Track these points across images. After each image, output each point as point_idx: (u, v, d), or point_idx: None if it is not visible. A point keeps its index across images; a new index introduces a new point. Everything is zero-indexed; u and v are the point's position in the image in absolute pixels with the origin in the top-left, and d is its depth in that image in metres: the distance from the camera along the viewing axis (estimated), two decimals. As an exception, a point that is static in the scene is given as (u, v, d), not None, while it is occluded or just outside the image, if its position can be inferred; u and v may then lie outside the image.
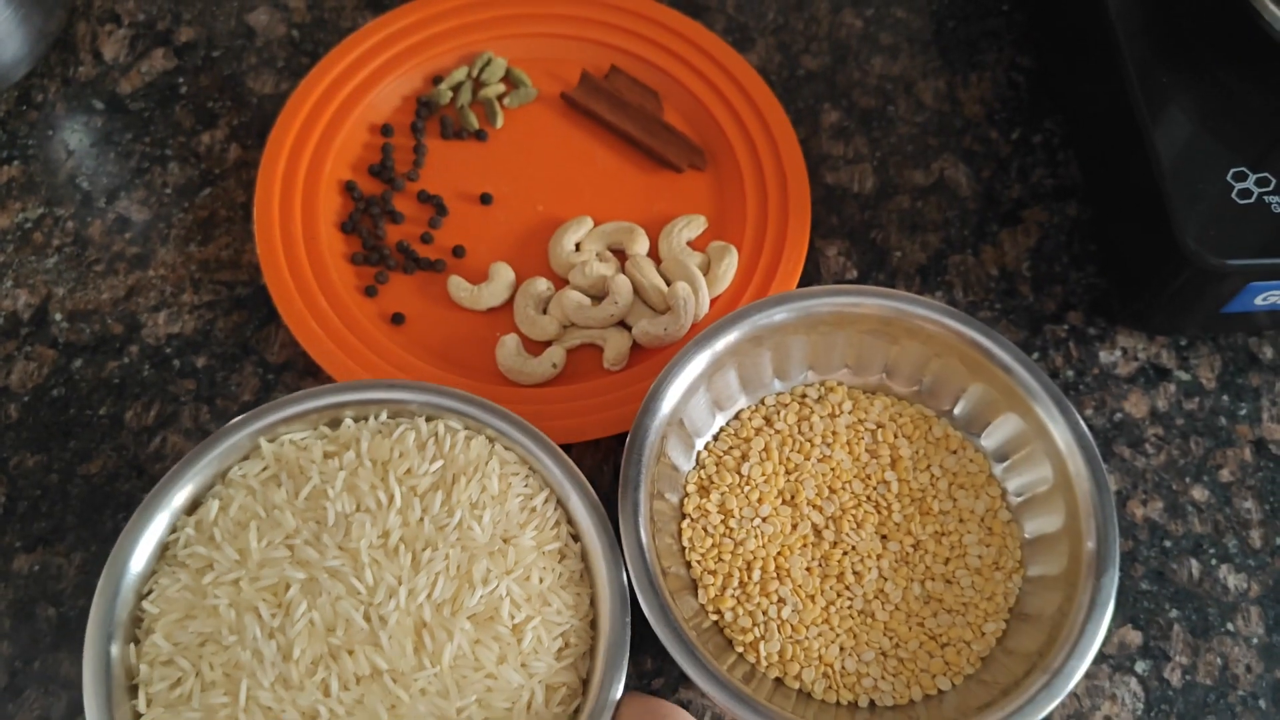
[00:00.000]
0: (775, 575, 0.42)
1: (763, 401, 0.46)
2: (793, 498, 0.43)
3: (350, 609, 0.36)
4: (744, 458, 0.44)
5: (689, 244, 0.50)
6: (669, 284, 0.48)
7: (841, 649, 0.41)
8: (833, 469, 0.44)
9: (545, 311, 0.49)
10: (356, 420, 0.41)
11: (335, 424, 0.41)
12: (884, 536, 0.43)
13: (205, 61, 0.55)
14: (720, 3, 0.58)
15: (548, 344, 0.48)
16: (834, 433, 0.45)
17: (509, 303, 0.49)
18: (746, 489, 0.43)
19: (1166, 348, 0.50)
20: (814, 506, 0.43)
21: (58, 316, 0.49)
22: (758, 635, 0.41)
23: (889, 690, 0.41)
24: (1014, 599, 0.42)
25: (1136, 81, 0.47)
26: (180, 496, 0.39)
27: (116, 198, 0.52)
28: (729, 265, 0.49)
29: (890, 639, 0.41)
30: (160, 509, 0.38)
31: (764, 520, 0.43)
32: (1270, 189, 0.45)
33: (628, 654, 0.38)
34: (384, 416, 0.41)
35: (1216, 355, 0.50)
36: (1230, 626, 0.45)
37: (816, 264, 0.52)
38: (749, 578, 0.42)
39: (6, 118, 0.53)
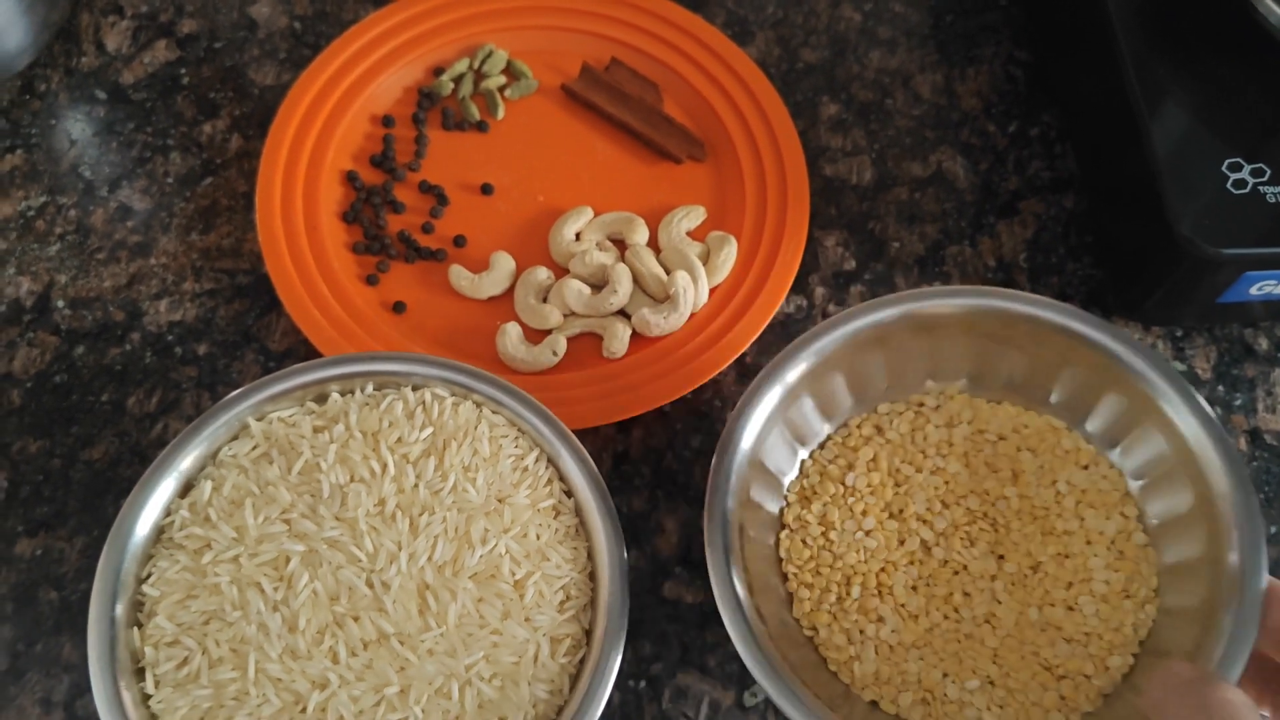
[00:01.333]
0: (876, 592, 0.40)
1: (875, 410, 0.43)
2: (900, 511, 0.41)
3: (352, 576, 0.37)
4: (850, 467, 0.42)
5: (688, 234, 0.51)
6: (668, 273, 0.49)
7: (945, 674, 0.38)
8: (946, 482, 0.41)
9: (546, 301, 0.49)
10: (343, 394, 0.41)
11: (322, 399, 0.41)
12: (1000, 556, 0.40)
13: (207, 53, 0.56)
14: (720, -4, 0.59)
15: (548, 333, 0.49)
16: (950, 444, 0.42)
17: (509, 292, 0.49)
18: (850, 500, 0.41)
19: (1162, 339, 0.51)
20: (923, 521, 0.41)
21: (60, 304, 0.49)
22: (853, 654, 0.39)
23: None
24: (1145, 631, 0.38)
25: (1132, 73, 0.48)
26: (171, 480, 0.39)
27: (119, 187, 0.52)
28: (728, 255, 0.49)
29: (999, 667, 0.38)
30: (151, 493, 0.39)
31: (867, 534, 0.41)
32: (1265, 179, 0.45)
33: (628, 603, 0.38)
34: (370, 389, 0.41)
35: (1212, 346, 0.51)
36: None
37: (815, 254, 0.52)
38: (847, 593, 0.40)
39: (10, 107, 0.53)
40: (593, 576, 0.40)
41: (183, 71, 0.55)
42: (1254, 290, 0.46)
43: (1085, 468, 0.41)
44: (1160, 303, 0.49)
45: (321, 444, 0.40)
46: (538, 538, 0.39)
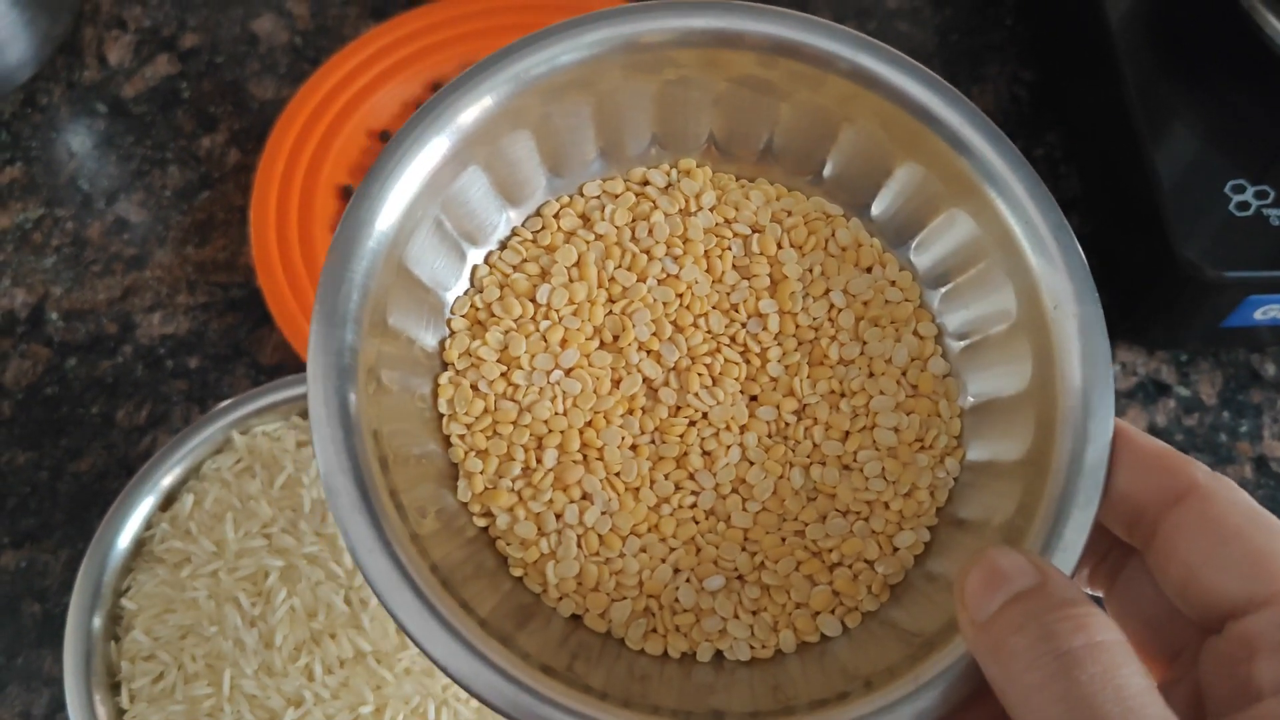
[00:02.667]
0: (580, 458, 0.27)
1: (580, 191, 0.30)
2: (615, 339, 0.28)
3: (330, 593, 0.37)
4: (544, 276, 0.28)
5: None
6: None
7: (676, 569, 0.27)
8: (680, 295, 0.28)
9: (538, 317, 0.49)
10: None
11: (306, 415, 0.41)
12: (753, 398, 0.28)
13: (208, 67, 0.56)
14: (722, 14, 0.58)
15: (540, 350, 0.48)
16: (685, 239, 0.29)
17: (502, 308, 0.49)
18: (544, 324, 0.28)
19: (1166, 363, 0.50)
20: (648, 352, 0.28)
21: (54, 316, 0.49)
22: (546, 550, 0.27)
23: (743, 636, 0.27)
24: (945, 495, 0.27)
25: (1136, 94, 0.47)
26: (152, 494, 0.39)
27: (116, 199, 0.52)
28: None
29: (752, 555, 0.27)
30: (133, 507, 0.39)
31: (568, 373, 0.28)
32: (1269, 201, 0.45)
33: None
34: None
35: (1217, 371, 0.50)
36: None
37: (812, 274, 0.51)
38: (539, 461, 0.27)
39: (11, 119, 0.54)
40: None
41: (183, 85, 0.55)
42: (1258, 314, 0.45)
43: (869, 269, 0.29)
44: (1164, 326, 0.48)
45: (304, 458, 0.39)
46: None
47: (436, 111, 0.27)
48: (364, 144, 0.53)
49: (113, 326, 0.49)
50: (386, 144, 0.26)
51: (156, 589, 0.38)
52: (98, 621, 0.37)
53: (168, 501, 0.40)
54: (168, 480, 0.40)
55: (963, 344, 0.28)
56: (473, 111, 0.27)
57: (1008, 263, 0.27)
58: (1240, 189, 0.45)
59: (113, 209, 0.52)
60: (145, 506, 0.39)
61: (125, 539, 0.39)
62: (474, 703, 0.36)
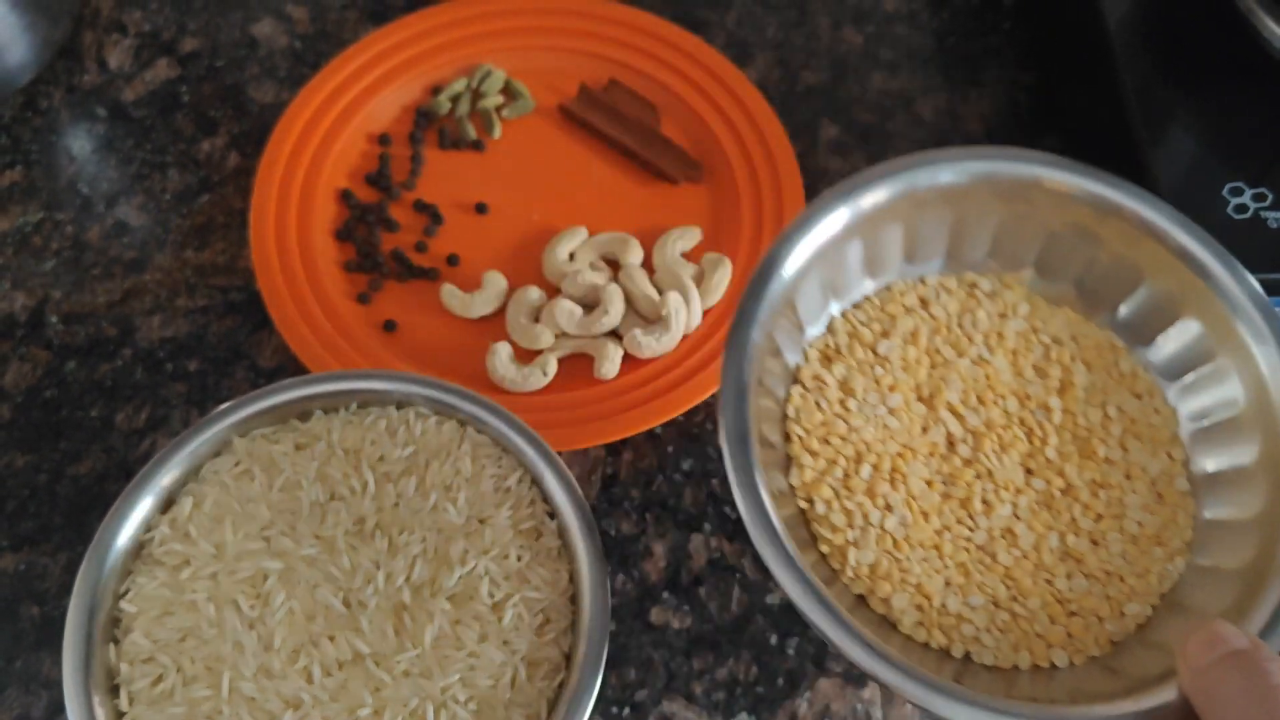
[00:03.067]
0: (889, 477, 0.35)
1: (923, 280, 0.39)
2: (931, 396, 0.37)
3: (329, 595, 0.36)
4: (885, 335, 0.37)
5: (683, 255, 0.50)
6: (662, 294, 0.48)
7: (947, 583, 0.34)
8: (987, 376, 0.37)
9: (538, 321, 0.49)
10: (326, 412, 0.41)
11: (305, 417, 0.41)
12: (1029, 470, 0.36)
13: (208, 71, 0.56)
14: (720, 18, 0.58)
15: (539, 353, 0.48)
16: (1000, 335, 0.38)
17: (501, 311, 0.49)
18: (879, 371, 0.37)
19: (1165, 365, 0.50)
20: (954, 413, 0.36)
21: (53, 319, 0.49)
22: (850, 539, 0.34)
23: (991, 646, 0.34)
24: (1170, 584, 0.35)
25: (1134, 97, 0.47)
26: (151, 497, 0.39)
27: (116, 203, 0.52)
28: (722, 276, 0.49)
29: (1008, 589, 0.34)
30: (132, 509, 0.39)
31: (891, 411, 0.36)
32: (1267, 204, 0.45)
33: (609, 628, 0.37)
34: (354, 407, 0.41)
35: (1216, 374, 0.50)
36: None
37: (811, 277, 0.51)
38: (856, 471, 0.35)
39: (11, 123, 0.54)
40: (574, 600, 0.39)
41: (183, 89, 0.55)
42: (1257, 317, 0.46)
43: (1139, 396, 0.37)
44: (1162, 329, 0.48)
45: (303, 461, 0.39)
46: (518, 559, 0.38)
47: (846, 191, 0.35)
48: (363, 147, 0.53)
49: (112, 329, 0.49)
50: (805, 208, 0.35)
51: (156, 591, 0.38)
52: (97, 625, 0.37)
53: (167, 504, 0.40)
54: (167, 482, 0.39)
55: (1207, 473, 0.36)
56: (870, 199, 0.36)
57: (1260, 416, 0.34)
58: (1238, 191, 0.45)
59: (112, 212, 0.52)
60: (144, 509, 0.39)
61: (124, 541, 0.38)
62: (472, 704, 0.36)
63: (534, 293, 0.49)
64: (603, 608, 0.38)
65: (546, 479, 0.40)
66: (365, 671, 0.36)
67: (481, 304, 0.49)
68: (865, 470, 0.35)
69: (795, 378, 0.37)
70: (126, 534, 0.38)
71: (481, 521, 0.39)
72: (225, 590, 0.37)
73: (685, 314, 0.48)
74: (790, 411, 0.36)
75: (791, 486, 0.35)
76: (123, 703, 0.37)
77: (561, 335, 0.48)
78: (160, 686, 0.36)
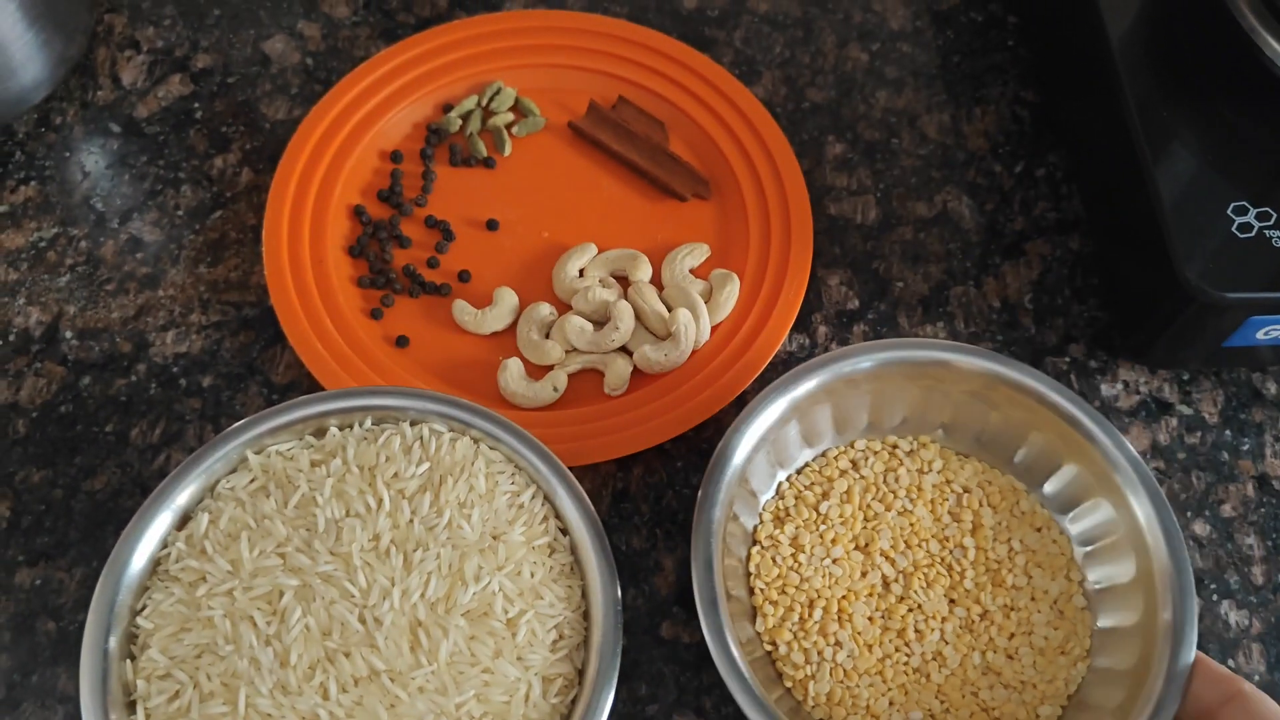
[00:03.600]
0: (836, 617, 0.42)
1: (852, 445, 0.46)
2: (867, 545, 0.43)
3: (345, 612, 0.37)
4: (825, 496, 0.44)
5: (691, 271, 0.51)
6: (670, 310, 0.49)
7: (891, 703, 0.41)
8: (912, 524, 0.44)
9: (548, 336, 0.49)
10: (341, 429, 0.42)
11: (321, 434, 0.42)
12: (952, 600, 0.43)
13: (221, 87, 0.56)
14: (728, 36, 0.59)
15: (549, 369, 0.49)
16: (919, 489, 0.45)
17: (512, 327, 0.50)
18: (822, 527, 0.44)
19: (1169, 382, 0.50)
20: (887, 558, 0.43)
21: (68, 334, 0.49)
22: (809, 673, 0.41)
23: None
24: (1075, 686, 0.42)
25: (1137, 116, 0.48)
26: (168, 513, 0.39)
27: (129, 219, 0.52)
28: (730, 293, 0.49)
29: (941, 703, 0.41)
30: (149, 526, 0.39)
31: (834, 561, 0.43)
32: (1271, 223, 0.45)
33: (621, 643, 0.38)
34: (368, 423, 0.42)
35: (1219, 390, 0.50)
36: (1231, 664, 0.45)
37: (819, 293, 0.52)
38: (809, 614, 0.42)
39: (25, 139, 0.54)
40: (587, 615, 0.39)
41: (196, 106, 0.56)
42: (1260, 335, 0.46)
43: (1039, 530, 0.44)
44: (1166, 346, 0.48)
45: (318, 478, 0.40)
46: (532, 575, 0.39)
47: (783, 385, 0.43)
48: (375, 164, 0.54)
49: (126, 345, 0.49)
50: (749, 403, 0.43)
51: (172, 608, 0.38)
52: (113, 641, 0.38)
53: (183, 520, 0.40)
54: (183, 499, 0.40)
55: (1098, 588, 0.43)
56: (804, 388, 0.43)
57: (1132, 540, 0.41)
58: (1242, 210, 0.45)
59: (126, 228, 0.52)
60: (161, 525, 0.39)
61: (141, 558, 0.39)
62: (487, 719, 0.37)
63: (545, 309, 0.49)
64: (615, 623, 0.38)
65: (559, 495, 0.40)
66: (381, 688, 0.36)
67: (493, 320, 0.49)
68: (817, 614, 0.42)
69: (754, 538, 0.44)
70: (143, 551, 0.39)
71: (495, 538, 0.39)
72: (241, 607, 0.37)
73: (694, 330, 0.48)
74: (752, 569, 0.43)
75: (758, 633, 0.42)
76: (139, 718, 0.37)
77: (572, 351, 0.49)
78: (177, 703, 0.37)
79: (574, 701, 0.38)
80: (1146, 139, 0.47)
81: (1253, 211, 0.45)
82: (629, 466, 0.48)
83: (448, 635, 0.37)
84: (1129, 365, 0.51)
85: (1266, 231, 0.45)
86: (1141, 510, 0.41)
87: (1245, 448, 0.49)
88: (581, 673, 0.39)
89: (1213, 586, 0.46)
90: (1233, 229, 0.45)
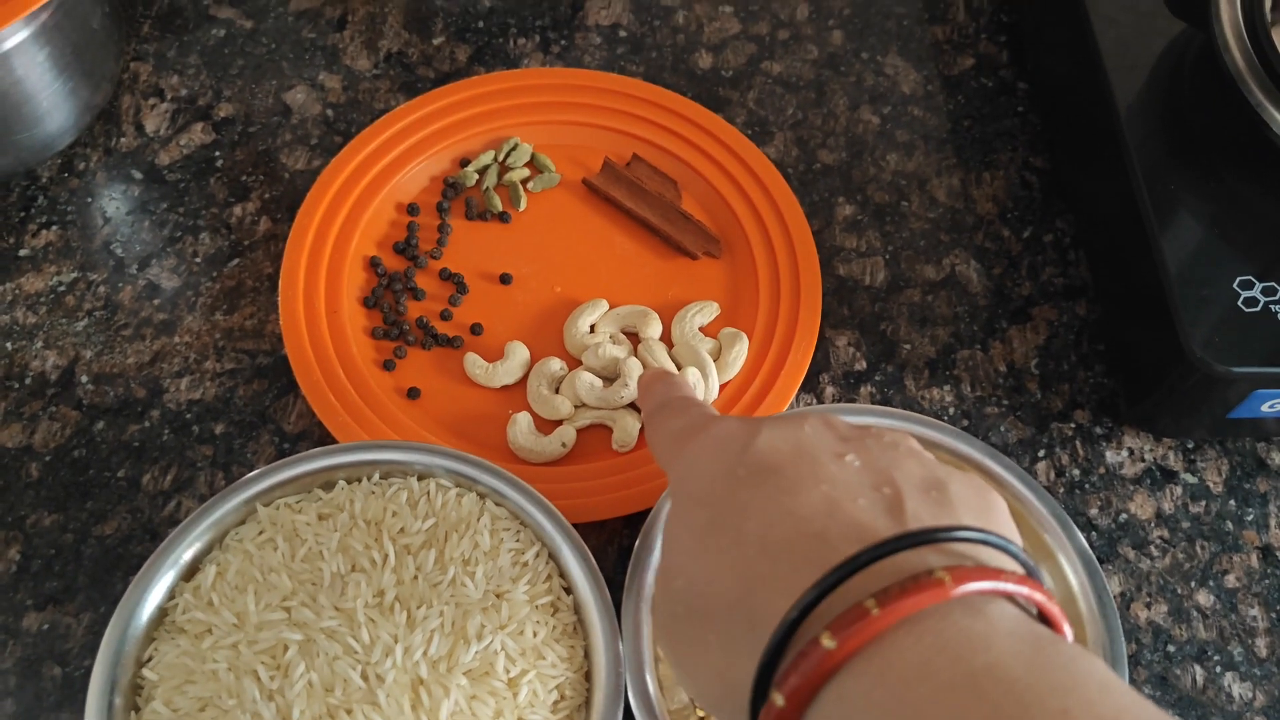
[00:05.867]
0: None
1: None
2: None
3: (348, 668, 0.37)
4: None
5: (701, 329, 0.51)
6: (680, 368, 0.49)
7: None
8: None
9: (558, 391, 0.50)
10: (350, 482, 0.42)
11: (329, 487, 0.42)
12: None
13: (242, 136, 0.57)
14: (741, 97, 0.60)
15: (559, 423, 0.49)
16: None
17: (523, 381, 0.50)
18: None
19: (1173, 450, 0.51)
20: None
21: (84, 379, 0.50)
22: None
23: None
24: None
25: (1145, 186, 0.48)
26: (177, 564, 0.40)
27: (148, 265, 0.53)
28: (739, 352, 0.50)
29: None
30: (157, 577, 0.39)
31: None
32: (1276, 298, 0.46)
33: (623, 704, 0.38)
34: (376, 478, 0.42)
35: (1224, 459, 0.50)
36: (1235, 737, 0.45)
37: (827, 353, 0.52)
38: None
39: (49, 184, 0.55)
40: (589, 676, 0.40)
41: (217, 154, 0.57)
42: (1265, 408, 0.46)
43: None
44: (1171, 415, 0.49)
45: (325, 531, 0.40)
46: (534, 635, 0.39)
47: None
48: (392, 216, 0.54)
49: (141, 391, 0.50)
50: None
51: (178, 660, 0.38)
52: (118, 691, 0.38)
53: (191, 570, 0.40)
54: (192, 549, 0.40)
55: None
56: None
57: (1067, 608, 0.40)
58: (1248, 285, 0.46)
59: (145, 274, 0.53)
60: (169, 576, 0.40)
61: (149, 608, 0.39)
62: (489, 781, 0.37)
63: (555, 364, 0.50)
64: (616, 685, 0.38)
65: (564, 554, 0.41)
66: None
67: (504, 374, 0.50)
68: None
69: None
70: (150, 602, 0.39)
71: (499, 596, 0.39)
72: (246, 660, 0.38)
73: (703, 388, 0.49)
74: None
75: (691, 701, 0.41)
76: (143, 769, 0.37)
77: (581, 406, 0.49)
78: (180, 755, 0.37)
79: None
80: (1154, 209, 0.48)
81: (1259, 285, 0.46)
82: (635, 523, 0.48)
83: (449, 694, 0.37)
84: (1134, 432, 0.51)
85: (1272, 306, 0.45)
86: (1075, 580, 0.41)
87: (1250, 518, 0.49)
88: None
89: (1216, 658, 0.46)
90: (1238, 302, 0.45)
